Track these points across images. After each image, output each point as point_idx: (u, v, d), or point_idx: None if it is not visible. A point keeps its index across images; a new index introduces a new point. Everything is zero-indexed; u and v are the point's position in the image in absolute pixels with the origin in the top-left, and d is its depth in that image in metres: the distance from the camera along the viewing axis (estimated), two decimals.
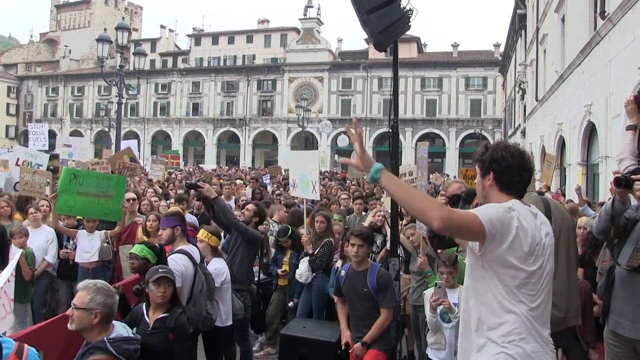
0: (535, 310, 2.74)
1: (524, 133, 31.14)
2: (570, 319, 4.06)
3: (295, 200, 10.50)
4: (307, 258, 7.04)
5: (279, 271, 7.78)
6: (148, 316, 4.35)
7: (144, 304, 4.44)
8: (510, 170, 2.89)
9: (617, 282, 4.12)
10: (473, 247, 2.80)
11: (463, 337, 2.96)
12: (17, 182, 10.08)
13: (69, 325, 3.52)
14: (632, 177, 3.94)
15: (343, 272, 5.52)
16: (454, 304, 4.82)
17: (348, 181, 21.44)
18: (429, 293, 5.03)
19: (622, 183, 3.95)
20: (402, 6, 5.51)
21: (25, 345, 3.08)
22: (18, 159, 10.61)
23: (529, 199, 4.02)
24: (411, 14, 5.60)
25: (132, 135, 58.45)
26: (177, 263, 4.99)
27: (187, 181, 10.50)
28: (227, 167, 40.03)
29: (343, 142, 37.00)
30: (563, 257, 4.07)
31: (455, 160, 53.70)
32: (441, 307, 4.73)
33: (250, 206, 7.36)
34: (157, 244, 5.19)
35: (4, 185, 10.26)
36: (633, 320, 3.91)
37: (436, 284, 4.73)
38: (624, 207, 4.16)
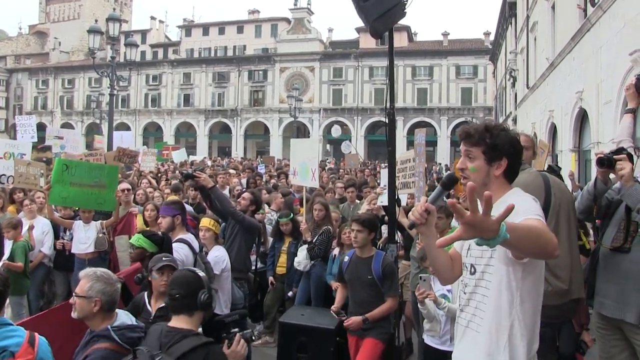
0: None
1: (515, 120, 31.20)
2: (573, 291, 4.04)
3: (290, 189, 10.54)
4: (306, 246, 7.07)
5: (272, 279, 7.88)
6: (150, 305, 4.35)
7: (146, 292, 4.45)
8: (520, 156, 2.69)
9: (600, 263, 4.15)
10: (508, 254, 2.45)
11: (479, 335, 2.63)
12: (3, 174, 10.07)
13: (72, 313, 3.55)
14: (615, 157, 4.00)
15: (347, 258, 5.53)
16: (448, 290, 4.84)
17: (341, 170, 21.46)
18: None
19: (605, 163, 4.02)
20: None
21: (36, 334, 3.10)
22: None
23: (529, 174, 4.06)
24: (407, 0, 5.61)
25: (123, 127, 58.08)
26: (178, 252, 4.99)
27: (183, 171, 10.50)
28: (219, 158, 40.02)
29: (337, 132, 36.94)
30: (564, 229, 4.08)
31: (447, 148, 53.86)
32: (427, 299, 4.74)
33: (246, 195, 7.38)
34: (158, 232, 5.19)
35: None
36: (616, 300, 3.92)
37: (420, 277, 4.71)
38: (605, 187, 4.23)
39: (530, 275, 2.50)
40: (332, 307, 5.46)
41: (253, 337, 3.62)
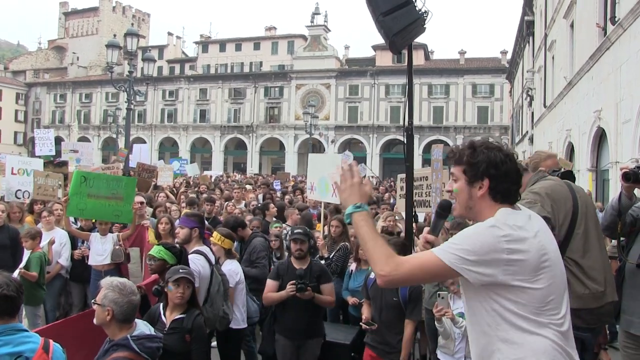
0: (564, 330, 2.27)
1: (531, 140, 31.05)
2: (608, 294, 3.90)
3: (307, 205, 10.53)
4: (323, 262, 7.00)
5: None
6: (165, 316, 4.35)
7: (162, 304, 4.44)
8: (509, 176, 2.37)
9: (627, 280, 4.07)
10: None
11: None
12: (18, 190, 10.18)
13: (94, 319, 3.58)
14: None
15: (373, 274, 5.47)
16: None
17: None
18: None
19: (631, 178, 3.95)
20: (417, 8, 5.50)
21: (51, 340, 3.09)
22: (12, 168, 10.61)
23: (552, 181, 3.97)
24: (426, 16, 5.59)
25: (139, 141, 58.31)
26: (195, 263, 5.00)
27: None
28: (235, 174, 40.17)
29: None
30: (593, 230, 3.98)
31: None
32: (445, 317, 4.68)
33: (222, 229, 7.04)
34: (176, 245, 5.20)
35: (6, 194, 10.29)
36: None
37: (439, 294, 4.67)
38: (630, 203, 4.16)
39: (513, 288, 2.22)
40: (363, 320, 5.34)
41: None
